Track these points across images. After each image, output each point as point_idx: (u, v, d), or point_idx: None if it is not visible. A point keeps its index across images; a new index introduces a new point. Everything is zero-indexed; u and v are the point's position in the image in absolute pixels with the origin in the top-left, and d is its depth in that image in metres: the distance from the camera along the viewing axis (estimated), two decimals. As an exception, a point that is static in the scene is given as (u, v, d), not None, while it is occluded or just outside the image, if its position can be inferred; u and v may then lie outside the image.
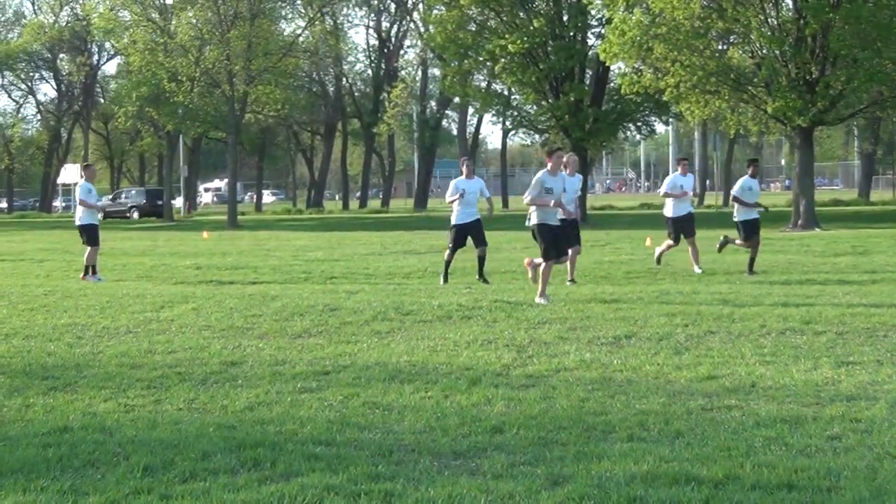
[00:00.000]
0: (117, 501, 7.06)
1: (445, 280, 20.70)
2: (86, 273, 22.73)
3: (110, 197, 78.18)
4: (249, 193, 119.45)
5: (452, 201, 20.59)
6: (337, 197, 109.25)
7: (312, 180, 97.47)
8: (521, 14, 53.97)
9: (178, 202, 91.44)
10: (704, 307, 15.14)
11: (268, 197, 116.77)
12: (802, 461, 7.68)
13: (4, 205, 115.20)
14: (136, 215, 75.35)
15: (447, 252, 20.99)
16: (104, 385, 10.57)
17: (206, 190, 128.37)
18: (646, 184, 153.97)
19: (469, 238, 20.66)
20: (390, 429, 8.86)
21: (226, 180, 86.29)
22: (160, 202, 74.97)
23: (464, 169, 21.38)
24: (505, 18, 54.05)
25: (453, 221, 20.80)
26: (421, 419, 9.15)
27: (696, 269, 22.31)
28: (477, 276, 20.84)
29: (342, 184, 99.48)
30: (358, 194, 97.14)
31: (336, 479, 7.47)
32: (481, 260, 20.83)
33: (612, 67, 53.81)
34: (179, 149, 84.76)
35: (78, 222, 23.48)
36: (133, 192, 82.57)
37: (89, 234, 23.03)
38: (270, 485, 7.37)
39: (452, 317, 15.09)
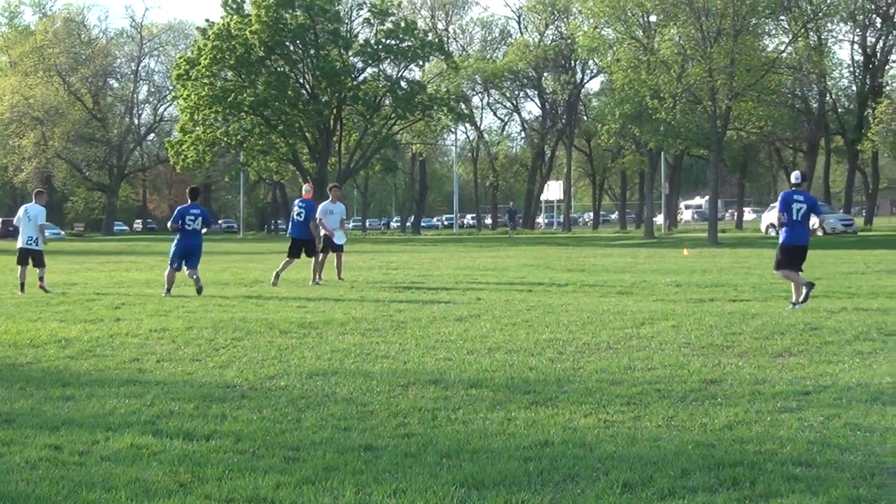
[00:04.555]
0: (597, 515, 7.19)
1: None
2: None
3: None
4: (730, 211, 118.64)
5: None
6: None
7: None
8: None
9: (659, 219, 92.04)
10: None
11: (748, 214, 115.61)
12: None
13: (489, 220, 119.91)
14: None
15: None
16: (584, 400, 10.76)
17: (687, 207, 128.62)
18: None
19: None
20: (872, 451, 8.62)
21: (706, 197, 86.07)
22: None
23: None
24: None
25: None
26: (905, 443, 8.85)
27: None
28: None
29: (824, 202, 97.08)
30: (840, 212, 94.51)
31: (816, 500, 7.37)
32: None
33: None
34: (661, 166, 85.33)
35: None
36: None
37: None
38: (749, 505, 7.32)
39: (937, 337, 14.50)
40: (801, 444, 8.82)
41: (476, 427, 9.68)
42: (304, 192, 28.08)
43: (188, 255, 23.75)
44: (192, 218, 23.73)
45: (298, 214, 26.76)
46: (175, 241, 23.90)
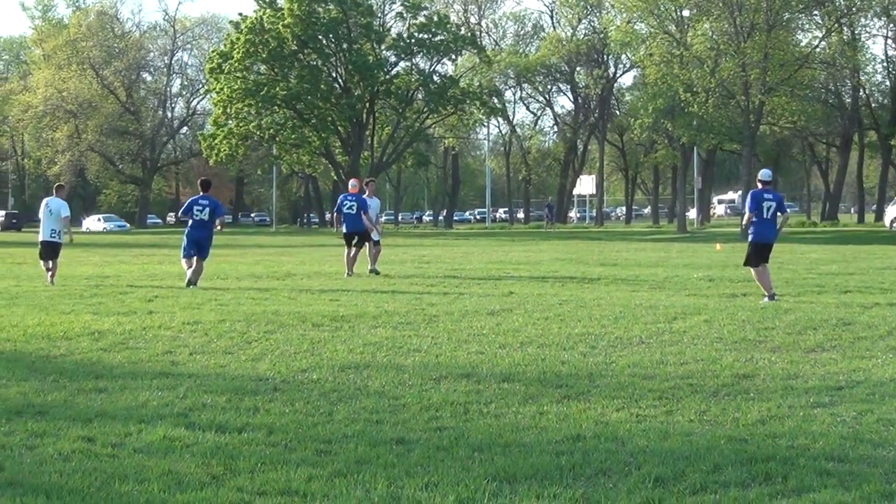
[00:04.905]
0: (630, 511, 7.18)
1: None
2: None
3: None
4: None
5: None
6: (852, 210, 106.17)
7: (827, 192, 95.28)
8: None
9: (692, 213, 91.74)
10: None
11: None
12: None
13: (522, 215, 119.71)
14: None
15: None
16: (616, 395, 10.74)
17: (720, 202, 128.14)
18: None
19: None
20: (906, 446, 8.58)
21: (739, 192, 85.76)
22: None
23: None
24: None
25: None
26: (938, 438, 8.83)
27: None
28: None
29: (857, 196, 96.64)
30: (874, 207, 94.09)
31: (848, 496, 7.33)
32: None
33: None
34: (693, 160, 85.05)
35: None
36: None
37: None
38: (781, 499, 7.31)
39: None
40: (834, 440, 8.78)
41: (508, 421, 9.68)
42: (350, 187, 28.38)
43: (197, 245, 23.78)
44: (200, 208, 23.76)
45: (349, 208, 27.18)
46: (185, 233, 24.09)
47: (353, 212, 27.09)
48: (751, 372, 11.85)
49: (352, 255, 27.11)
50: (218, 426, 9.45)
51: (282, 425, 9.50)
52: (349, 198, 27.52)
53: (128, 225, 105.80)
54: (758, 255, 20.23)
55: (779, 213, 20.40)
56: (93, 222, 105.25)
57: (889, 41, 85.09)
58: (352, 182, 29.16)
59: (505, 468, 8.04)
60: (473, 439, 8.95)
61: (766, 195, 20.16)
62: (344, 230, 27.32)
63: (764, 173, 20.74)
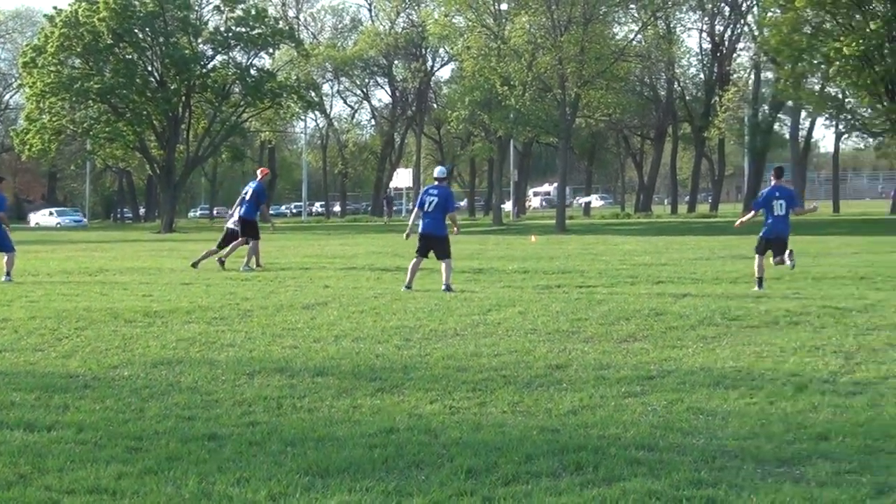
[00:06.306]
0: (441, 503, 7.18)
1: None
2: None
3: None
4: (578, 198, 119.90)
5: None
6: (666, 201, 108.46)
7: (641, 184, 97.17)
8: (858, 16, 53.09)
9: (508, 206, 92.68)
10: None
11: (596, 201, 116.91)
12: None
13: (338, 208, 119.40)
14: None
15: None
16: (430, 387, 10.77)
17: (536, 194, 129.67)
18: None
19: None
20: (714, 434, 8.77)
21: (555, 184, 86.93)
22: None
23: None
24: (840, 21, 53.26)
25: None
26: (745, 425, 9.05)
27: None
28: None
29: (671, 188, 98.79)
30: (687, 198, 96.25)
31: (658, 484, 7.44)
32: None
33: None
34: (510, 153, 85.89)
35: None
36: None
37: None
38: (592, 489, 7.38)
39: (779, 322, 14.92)
40: (645, 429, 8.94)
41: (321, 415, 9.64)
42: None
43: None
44: None
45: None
46: None
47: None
48: (564, 362, 11.99)
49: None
50: (26, 424, 9.23)
51: (92, 423, 9.31)
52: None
53: (85, 219, 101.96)
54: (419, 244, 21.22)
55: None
56: (43, 217, 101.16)
57: (703, 34, 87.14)
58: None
59: (317, 462, 8.00)
60: (286, 434, 8.89)
61: (430, 190, 21.26)
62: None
63: (436, 170, 22.20)
